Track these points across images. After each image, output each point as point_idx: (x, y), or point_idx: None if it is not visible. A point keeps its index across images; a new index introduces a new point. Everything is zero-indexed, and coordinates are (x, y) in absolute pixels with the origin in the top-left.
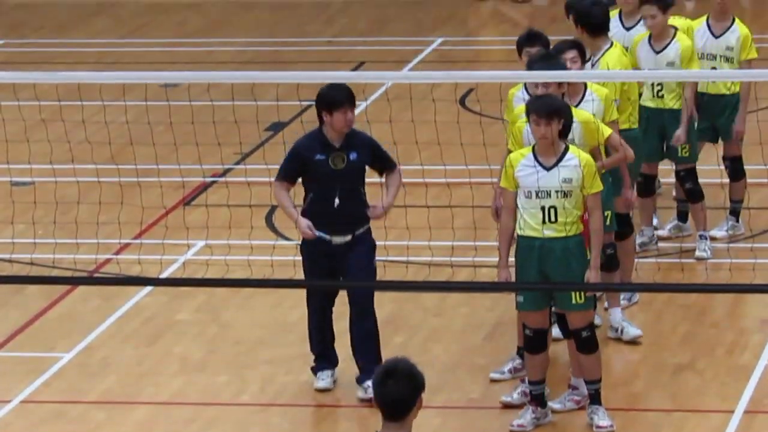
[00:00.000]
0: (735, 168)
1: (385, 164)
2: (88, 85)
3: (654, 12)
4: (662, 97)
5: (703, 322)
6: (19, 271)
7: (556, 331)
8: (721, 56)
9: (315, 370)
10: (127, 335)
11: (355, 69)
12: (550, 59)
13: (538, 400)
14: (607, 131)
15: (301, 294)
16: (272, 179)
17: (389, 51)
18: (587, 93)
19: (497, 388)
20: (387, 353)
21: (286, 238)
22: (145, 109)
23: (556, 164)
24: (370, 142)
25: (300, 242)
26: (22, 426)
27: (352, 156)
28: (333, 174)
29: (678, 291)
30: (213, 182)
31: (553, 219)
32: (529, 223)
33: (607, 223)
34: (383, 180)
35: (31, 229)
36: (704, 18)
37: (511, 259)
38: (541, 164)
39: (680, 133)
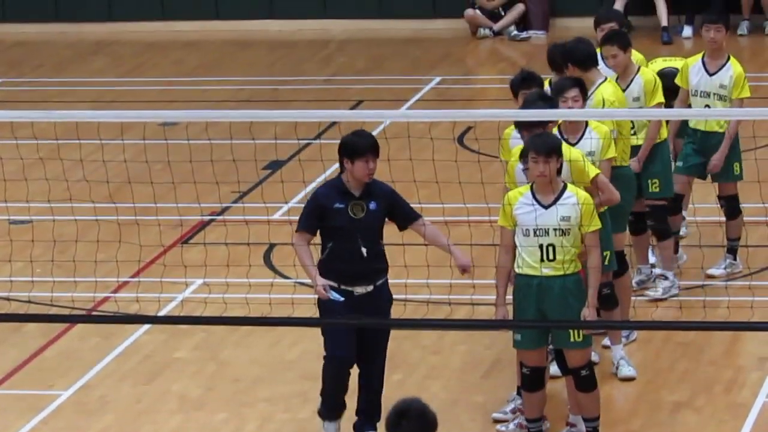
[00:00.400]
0: (731, 206)
1: (407, 215)
2: (86, 124)
3: (615, 51)
4: (635, 134)
5: (701, 360)
6: (17, 309)
7: (554, 369)
8: (714, 94)
9: (323, 416)
10: (125, 373)
11: (353, 107)
12: (546, 100)
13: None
14: (594, 171)
15: (300, 332)
16: (270, 217)
17: (387, 90)
18: (587, 131)
19: (496, 426)
20: (385, 391)
21: (285, 276)
22: (144, 148)
23: (554, 202)
24: (391, 192)
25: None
26: None
27: (372, 205)
28: (352, 223)
29: (676, 329)
30: (211, 221)
31: (551, 257)
32: (528, 261)
33: (606, 262)
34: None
35: (29, 268)
36: (701, 55)
37: (509, 297)
38: (539, 202)
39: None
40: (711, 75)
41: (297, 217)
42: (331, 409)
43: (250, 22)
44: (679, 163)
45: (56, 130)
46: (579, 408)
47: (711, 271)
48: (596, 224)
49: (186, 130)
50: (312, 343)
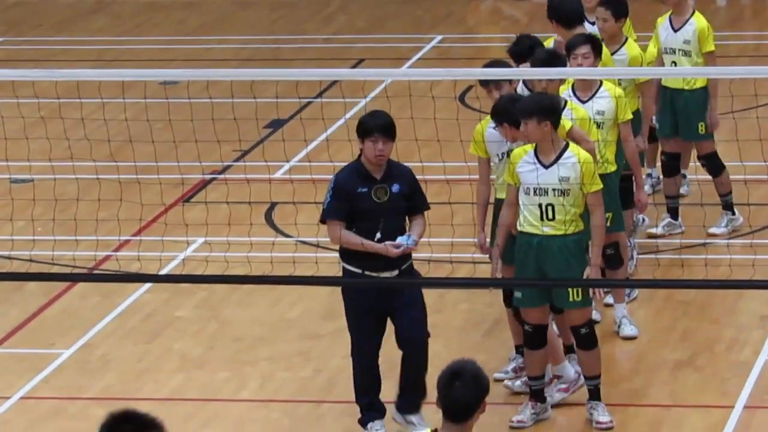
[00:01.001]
0: (712, 165)
1: (418, 203)
2: (87, 83)
3: (607, 16)
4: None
5: (702, 319)
6: (19, 268)
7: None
8: (679, 50)
9: (364, 422)
10: (127, 332)
11: (354, 66)
12: (556, 58)
13: (537, 395)
14: (568, 124)
15: (301, 291)
16: (272, 176)
17: (388, 48)
18: (600, 89)
19: (498, 385)
20: (387, 349)
21: (286, 235)
22: (145, 107)
23: (554, 162)
24: (410, 174)
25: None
26: (22, 423)
27: (395, 188)
28: (376, 207)
29: (677, 287)
30: (212, 179)
31: (551, 217)
32: (529, 220)
33: (608, 224)
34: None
35: (31, 227)
36: (669, 12)
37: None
38: (540, 162)
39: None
40: (676, 31)
41: (298, 176)
42: (368, 407)
43: None
44: (657, 125)
45: (57, 90)
46: (580, 366)
47: (712, 230)
48: (597, 184)
49: (187, 89)
50: (313, 302)
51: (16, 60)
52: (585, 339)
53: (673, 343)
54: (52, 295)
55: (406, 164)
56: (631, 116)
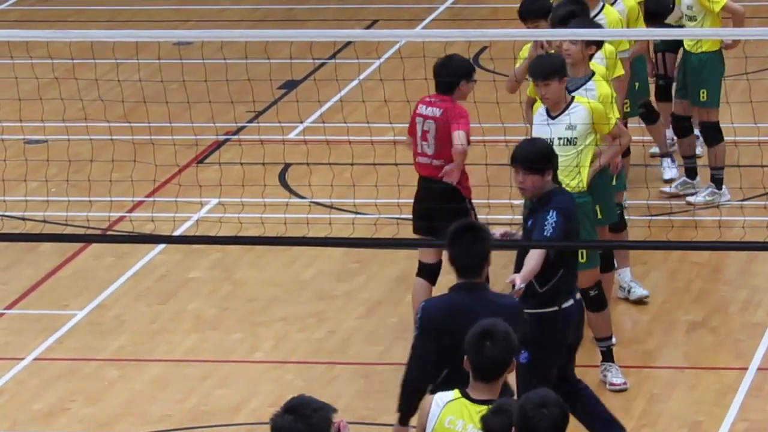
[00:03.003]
0: (708, 134)
1: None
2: (101, 44)
3: None
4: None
5: (716, 280)
6: (32, 228)
7: None
8: (684, 15)
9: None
10: (140, 293)
11: (369, 27)
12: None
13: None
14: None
15: (314, 252)
16: (285, 137)
17: (402, 9)
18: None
19: None
20: (401, 310)
21: (300, 196)
22: (159, 68)
23: (562, 113)
24: None
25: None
26: (36, 383)
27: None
28: None
29: (691, 249)
30: (226, 140)
31: None
32: None
33: (599, 216)
34: None
35: (44, 187)
36: None
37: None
38: (549, 114)
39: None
40: None
41: (312, 137)
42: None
43: None
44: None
45: (71, 50)
46: (591, 328)
47: (690, 199)
48: (612, 120)
49: (201, 49)
50: (326, 264)
51: (30, 21)
52: (594, 301)
53: (687, 304)
54: (65, 256)
55: None
56: (622, 72)
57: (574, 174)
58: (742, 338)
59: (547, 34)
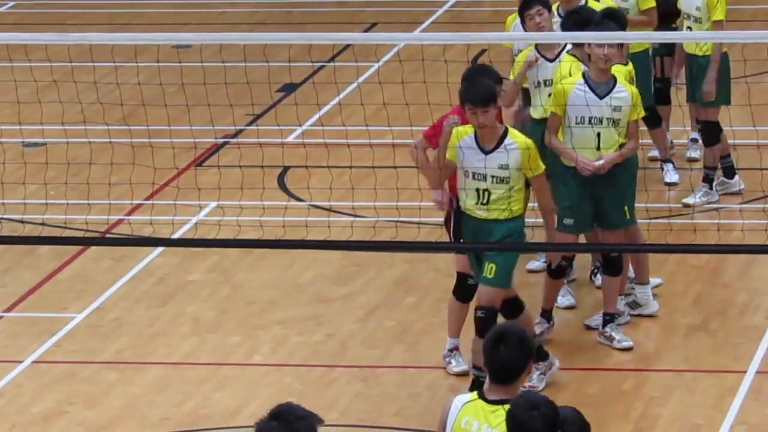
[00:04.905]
0: (708, 133)
1: None
2: (99, 47)
3: None
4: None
5: (715, 283)
6: (31, 231)
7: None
8: (691, 15)
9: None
10: (139, 296)
11: (367, 30)
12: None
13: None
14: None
15: (313, 255)
16: (284, 140)
17: (401, 12)
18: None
19: None
20: (400, 313)
21: (298, 199)
22: (157, 71)
23: (494, 149)
24: None
25: None
26: (34, 386)
27: None
28: None
29: (690, 252)
30: (225, 143)
31: (485, 201)
32: (467, 202)
33: (628, 217)
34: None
35: (43, 190)
36: None
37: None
38: (481, 147)
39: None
40: None
41: (311, 140)
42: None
43: None
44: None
45: (70, 53)
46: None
47: (686, 200)
48: (541, 167)
49: (200, 52)
50: (325, 267)
51: (28, 24)
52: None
53: (686, 307)
54: (64, 259)
55: (418, 128)
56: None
57: (506, 203)
58: (741, 341)
59: (544, 37)
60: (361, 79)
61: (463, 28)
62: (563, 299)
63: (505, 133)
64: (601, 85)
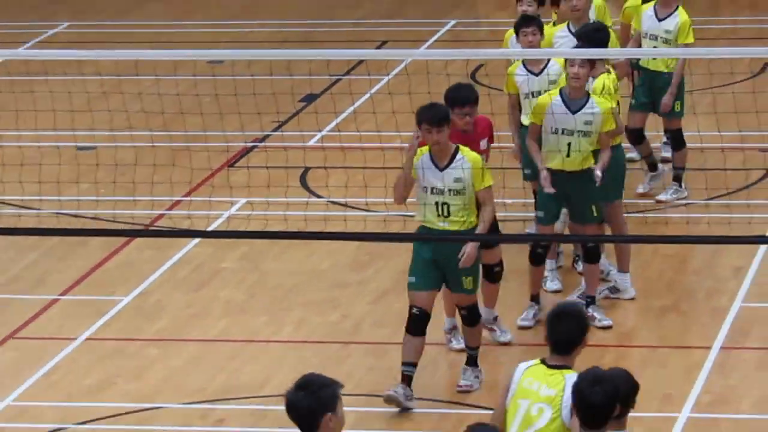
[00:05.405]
0: (675, 140)
1: None
2: (144, 62)
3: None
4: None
5: (685, 270)
6: (84, 225)
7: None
8: (661, 38)
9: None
10: (178, 281)
11: (379, 47)
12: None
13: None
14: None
15: (331, 245)
16: (306, 144)
17: (409, 31)
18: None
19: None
20: (407, 297)
21: (318, 196)
22: (194, 83)
23: (447, 165)
24: None
25: None
26: (87, 360)
27: None
28: None
29: (663, 243)
30: (254, 147)
31: (446, 213)
32: (428, 216)
33: (595, 214)
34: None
35: (94, 189)
36: (654, 2)
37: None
38: (436, 165)
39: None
40: (660, 20)
41: (329, 144)
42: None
43: None
44: (632, 101)
45: (118, 68)
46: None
47: (659, 197)
48: (488, 181)
49: (231, 67)
50: (341, 256)
51: (82, 42)
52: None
53: (659, 291)
54: (112, 249)
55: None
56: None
57: (465, 215)
58: (707, 321)
59: (536, 53)
60: (373, 90)
61: (462, 46)
62: (552, 284)
63: (457, 150)
64: (574, 101)
